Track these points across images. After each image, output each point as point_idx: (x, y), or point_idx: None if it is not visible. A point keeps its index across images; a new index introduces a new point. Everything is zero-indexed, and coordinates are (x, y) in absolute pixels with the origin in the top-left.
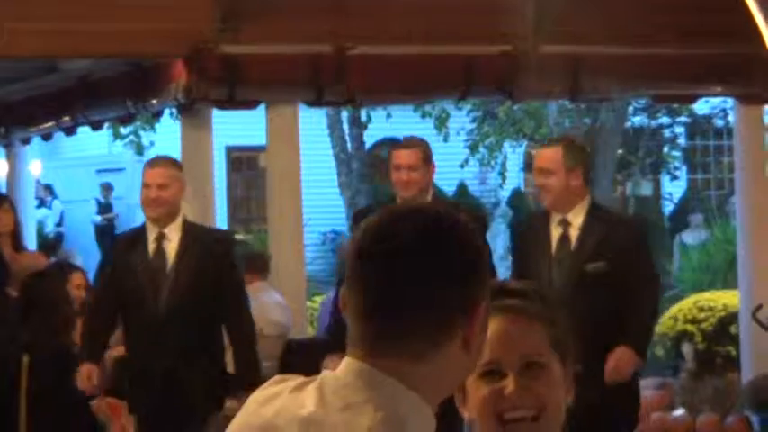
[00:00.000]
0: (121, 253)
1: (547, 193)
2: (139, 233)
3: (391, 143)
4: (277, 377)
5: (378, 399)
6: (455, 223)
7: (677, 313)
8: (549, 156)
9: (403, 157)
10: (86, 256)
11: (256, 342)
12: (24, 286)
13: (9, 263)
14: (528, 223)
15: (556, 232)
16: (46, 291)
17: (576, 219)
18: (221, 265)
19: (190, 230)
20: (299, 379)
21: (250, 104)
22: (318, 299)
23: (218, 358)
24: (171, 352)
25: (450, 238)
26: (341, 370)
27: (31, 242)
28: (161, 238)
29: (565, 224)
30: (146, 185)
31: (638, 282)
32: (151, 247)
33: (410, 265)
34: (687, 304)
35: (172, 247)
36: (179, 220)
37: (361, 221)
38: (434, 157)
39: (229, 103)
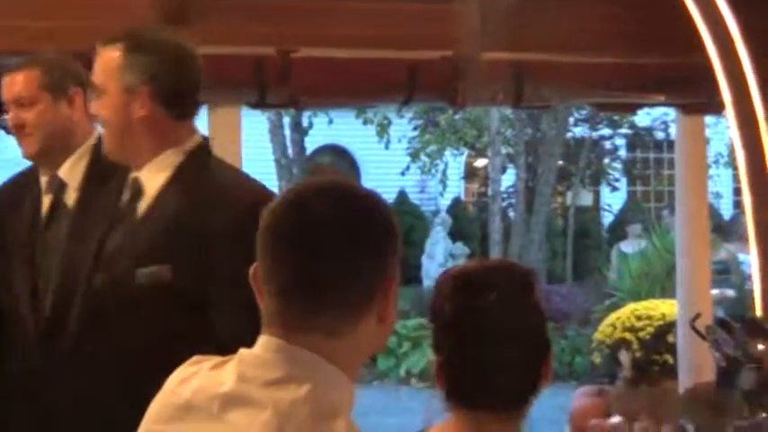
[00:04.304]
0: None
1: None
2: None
3: (332, 150)
4: (193, 358)
5: (299, 373)
6: (370, 197)
7: (615, 321)
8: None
9: None
10: None
11: None
12: None
13: None
14: None
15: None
16: None
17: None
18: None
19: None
20: (217, 358)
21: None
22: None
23: None
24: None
25: (367, 212)
26: (258, 347)
27: None
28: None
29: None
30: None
31: None
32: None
33: (327, 241)
34: (625, 312)
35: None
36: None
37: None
38: (375, 164)
39: None
